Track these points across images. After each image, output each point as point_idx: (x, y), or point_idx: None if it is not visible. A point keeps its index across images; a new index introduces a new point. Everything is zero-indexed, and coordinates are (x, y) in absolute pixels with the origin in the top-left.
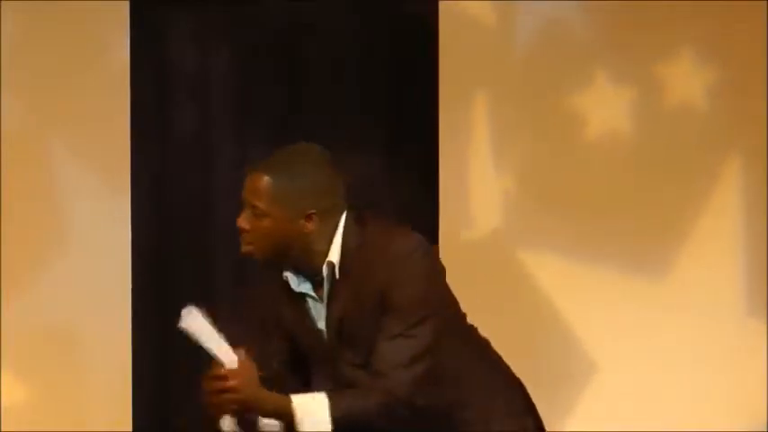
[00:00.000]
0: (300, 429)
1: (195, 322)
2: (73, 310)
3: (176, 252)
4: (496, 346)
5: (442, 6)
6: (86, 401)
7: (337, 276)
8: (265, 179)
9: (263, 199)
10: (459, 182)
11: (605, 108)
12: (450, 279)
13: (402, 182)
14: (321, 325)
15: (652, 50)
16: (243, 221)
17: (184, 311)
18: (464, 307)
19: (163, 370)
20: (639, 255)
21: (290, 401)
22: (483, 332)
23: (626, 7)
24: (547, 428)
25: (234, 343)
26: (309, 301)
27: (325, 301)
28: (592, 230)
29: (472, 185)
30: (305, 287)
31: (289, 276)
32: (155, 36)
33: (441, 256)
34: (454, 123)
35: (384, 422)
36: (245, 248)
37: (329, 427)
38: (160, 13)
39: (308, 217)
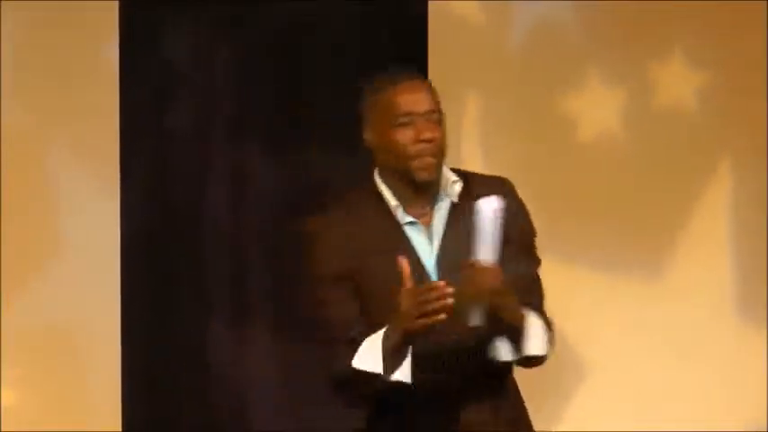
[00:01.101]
0: (524, 349)
1: (490, 213)
2: (69, 310)
3: (169, 252)
4: None
5: (431, 6)
6: (77, 401)
7: (457, 200)
8: (428, 83)
9: (438, 102)
10: None
11: (597, 109)
12: None
13: None
14: (429, 261)
15: (644, 51)
16: (429, 131)
17: (493, 199)
18: None
19: (153, 371)
20: (631, 255)
21: (524, 316)
22: None
23: (618, 8)
24: (540, 429)
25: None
26: (412, 236)
27: (443, 230)
28: (583, 231)
29: None
30: (408, 219)
31: (399, 208)
32: (146, 35)
33: None
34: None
35: None
36: (429, 161)
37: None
38: (151, 11)
39: None
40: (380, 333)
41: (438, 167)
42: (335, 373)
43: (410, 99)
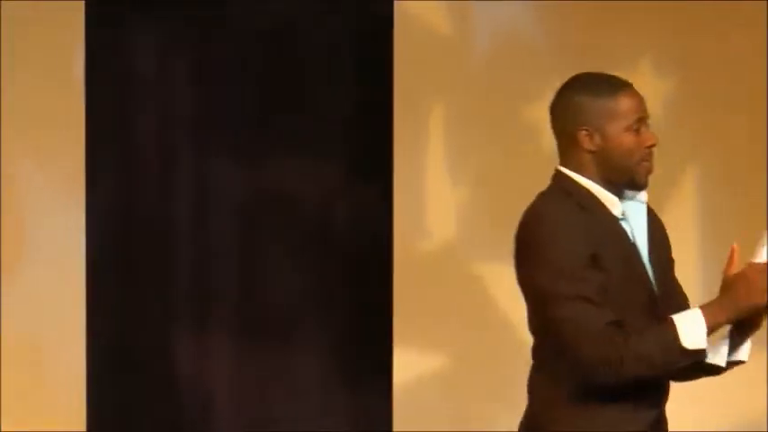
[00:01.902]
0: (741, 354)
1: None
2: (35, 317)
3: (134, 259)
4: (452, 355)
5: (398, 14)
6: (43, 404)
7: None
8: None
9: None
10: (415, 192)
11: None
12: (405, 290)
13: (357, 192)
14: (646, 258)
15: (610, 60)
16: (653, 138)
17: None
18: (421, 317)
19: (118, 375)
20: None
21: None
22: (439, 342)
23: (583, 16)
24: None
25: None
26: (629, 233)
27: (646, 227)
28: None
29: (428, 196)
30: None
31: (617, 203)
32: (112, 44)
33: (395, 268)
34: (410, 132)
35: None
36: (651, 167)
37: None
38: (117, 21)
39: None
40: (694, 311)
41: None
42: (606, 355)
43: (640, 105)
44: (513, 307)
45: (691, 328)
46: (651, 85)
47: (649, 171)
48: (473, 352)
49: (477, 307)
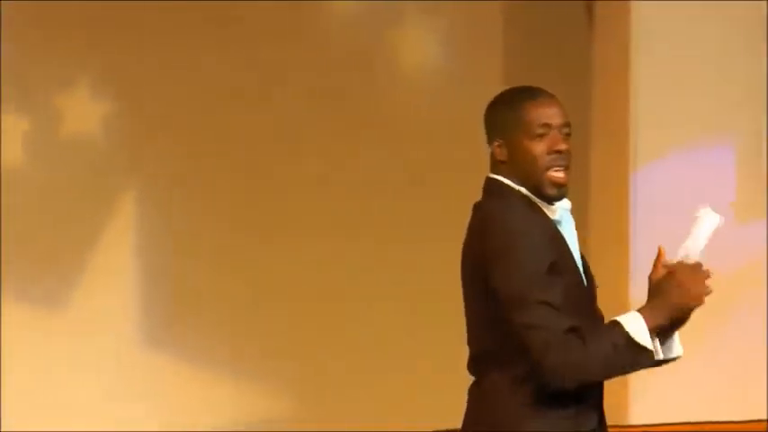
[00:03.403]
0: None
1: (707, 225)
2: None
3: None
4: None
5: None
6: None
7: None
8: (559, 100)
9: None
10: None
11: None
12: None
13: None
14: (579, 262)
15: (50, 80)
16: (563, 143)
17: (708, 210)
18: None
19: None
20: None
21: None
22: None
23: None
24: None
25: None
26: (568, 238)
27: (571, 230)
28: None
29: None
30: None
31: (552, 207)
32: None
33: None
34: None
35: None
36: (564, 176)
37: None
38: None
39: None
40: (634, 314)
41: (567, 179)
42: (569, 360)
43: (547, 112)
44: None
45: (638, 327)
46: (89, 104)
47: (558, 181)
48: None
49: None
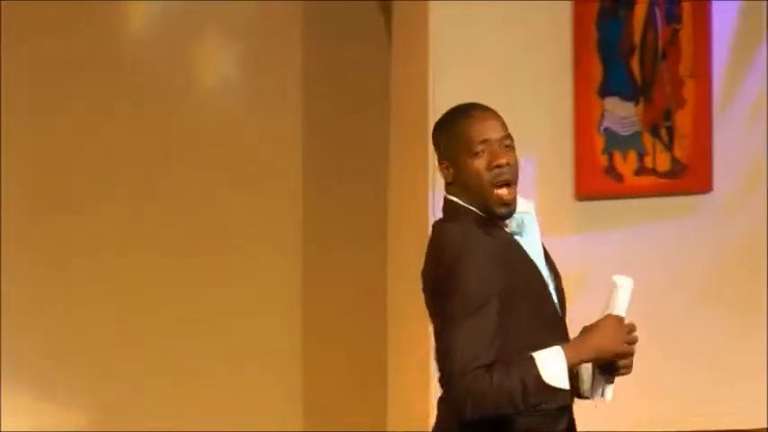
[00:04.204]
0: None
1: (625, 289)
2: None
3: None
4: None
5: None
6: None
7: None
8: (499, 114)
9: (508, 130)
10: None
11: None
12: None
13: None
14: (545, 271)
15: None
16: (504, 157)
17: (621, 277)
18: None
19: None
20: None
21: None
22: None
23: None
24: None
25: None
26: (525, 249)
27: (536, 242)
28: None
29: None
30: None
31: (511, 221)
32: None
33: None
34: None
35: None
36: (510, 193)
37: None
38: None
39: None
40: (554, 351)
41: (515, 192)
42: (471, 392)
43: (488, 125)
44: None
45: (551, 365)
46: None
47: (504, 200)
48: None
49: None
